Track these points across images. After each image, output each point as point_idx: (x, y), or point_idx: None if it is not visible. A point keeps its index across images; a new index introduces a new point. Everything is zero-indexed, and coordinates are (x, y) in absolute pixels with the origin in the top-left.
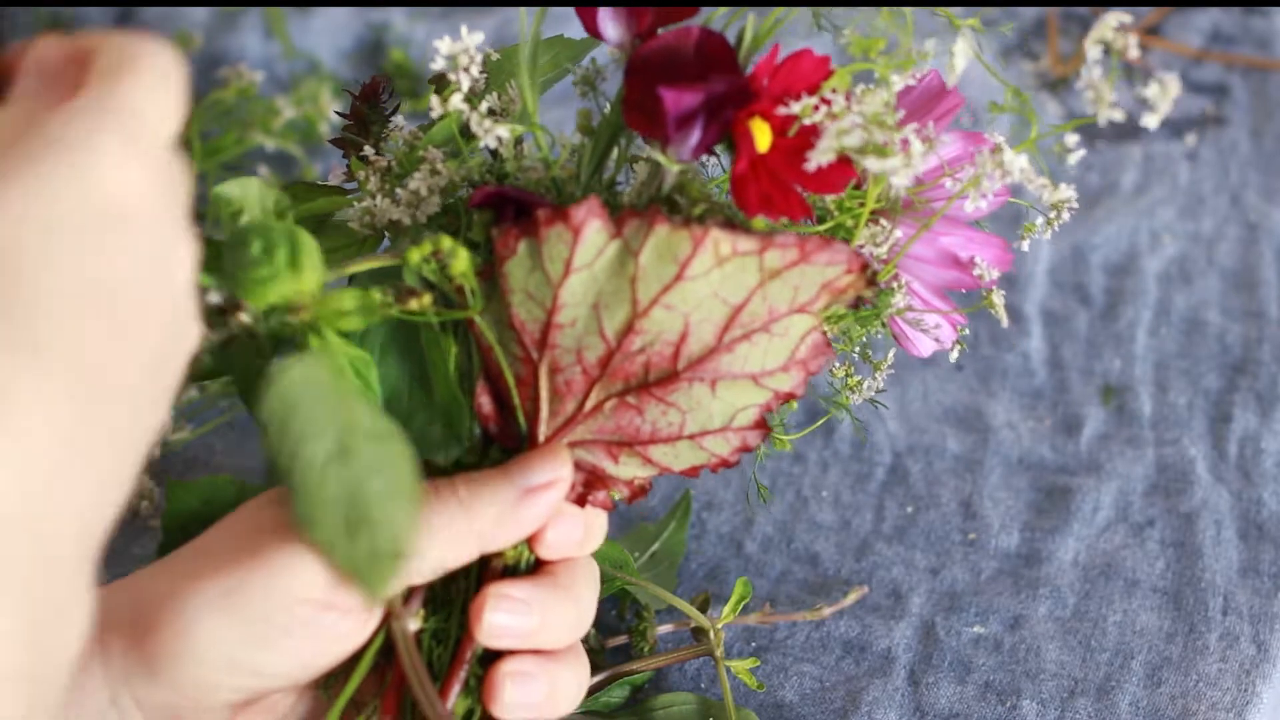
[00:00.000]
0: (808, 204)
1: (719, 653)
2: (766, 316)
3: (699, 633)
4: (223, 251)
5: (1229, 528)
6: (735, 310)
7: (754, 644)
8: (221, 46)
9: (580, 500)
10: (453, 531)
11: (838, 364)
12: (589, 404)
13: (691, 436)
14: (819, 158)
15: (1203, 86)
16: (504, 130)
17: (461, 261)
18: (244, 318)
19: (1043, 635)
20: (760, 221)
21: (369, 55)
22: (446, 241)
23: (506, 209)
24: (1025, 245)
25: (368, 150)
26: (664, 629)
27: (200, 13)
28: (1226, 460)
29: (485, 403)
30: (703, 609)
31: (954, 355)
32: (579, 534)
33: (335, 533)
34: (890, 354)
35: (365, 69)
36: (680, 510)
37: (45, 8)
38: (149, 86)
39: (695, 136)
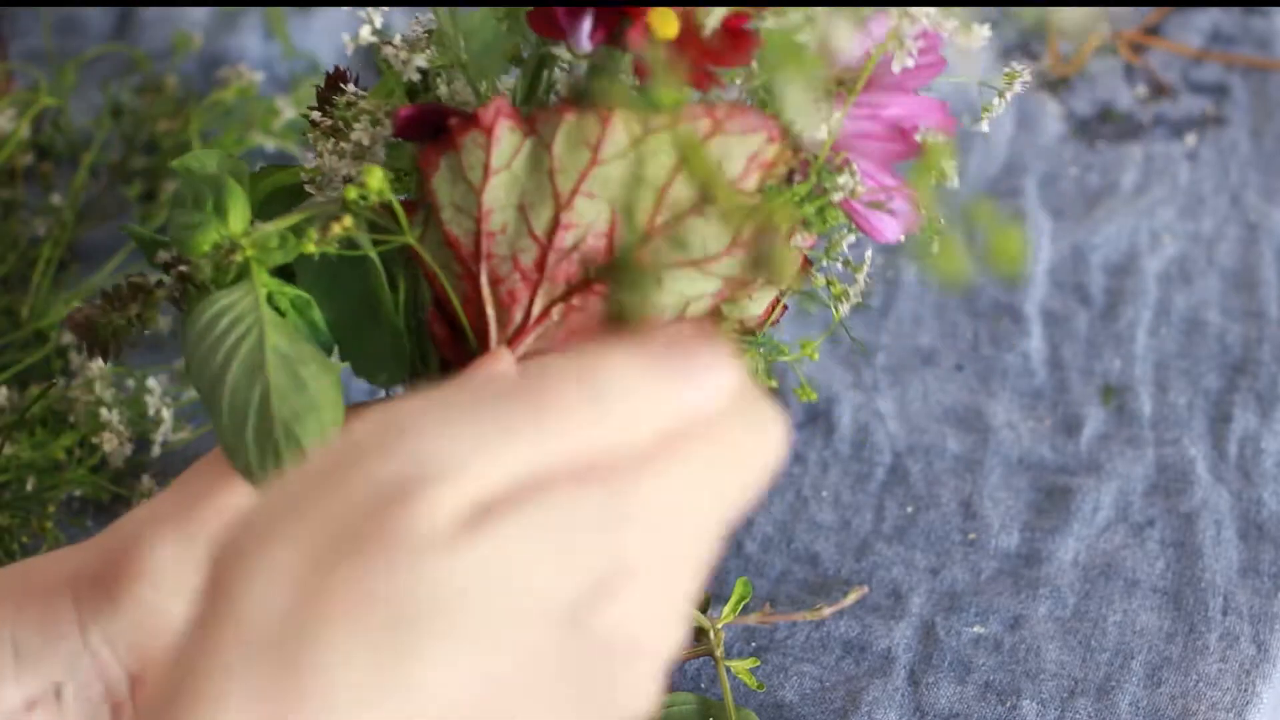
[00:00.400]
0: (716, 76)
1: (719, 653)
2: (695, 197)
3: (699, 633)
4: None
5: (1229, 528)
6: (660, 193)
7: (754, 644)
8: (221, 46)
9: None
10: None
11: (819, 274)
12: (535, 311)
13: None
14: (712, 20)
15: (1203, 86)
16: (421, 59)
17: (375, 178)
18: (184, 269)
19: (1043, 635)
20: (669, 96)
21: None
22: (368, 168)
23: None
24: (985, 126)
25: (316, 115)
26: None
27: (200, 13)
28: (1226, 460)
29: (439, 329)
30: (703, 609)
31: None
32: None
33: (253, 457)
34: (868, 254)
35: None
36: None
37: (48, 8)
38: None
39: (587, 23)
